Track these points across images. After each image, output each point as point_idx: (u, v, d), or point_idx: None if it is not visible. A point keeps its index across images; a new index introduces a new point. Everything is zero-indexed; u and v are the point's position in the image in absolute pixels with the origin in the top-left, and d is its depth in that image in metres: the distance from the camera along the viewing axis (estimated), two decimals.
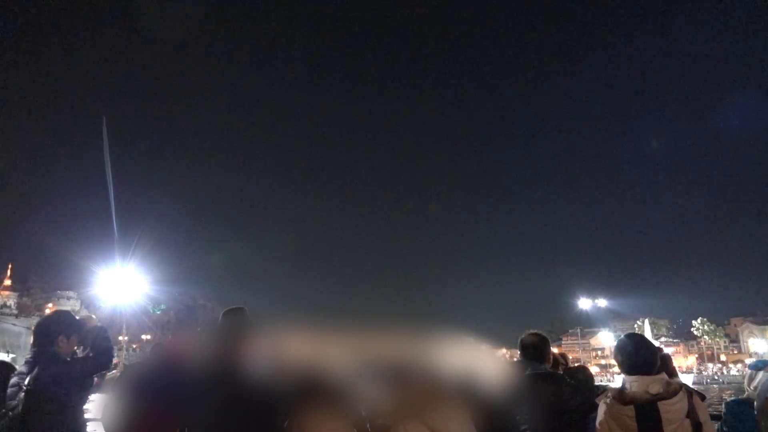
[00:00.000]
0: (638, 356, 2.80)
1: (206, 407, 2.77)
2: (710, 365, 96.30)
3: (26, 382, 3.05)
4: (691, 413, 2.64)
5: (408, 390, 2.82)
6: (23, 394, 3.02)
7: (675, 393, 2.66)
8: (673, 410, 2.62)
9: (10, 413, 3.02)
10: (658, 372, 3.51)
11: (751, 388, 3.91)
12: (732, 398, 4.08)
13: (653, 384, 2.70)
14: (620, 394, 2.75)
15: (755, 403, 3.69)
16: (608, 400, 2.79)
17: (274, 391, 2.81)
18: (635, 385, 2.74)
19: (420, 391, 2.80)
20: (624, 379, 2.82)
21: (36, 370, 3.10)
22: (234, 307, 3.22)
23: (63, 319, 3.48)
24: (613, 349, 3.07)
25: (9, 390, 3.14)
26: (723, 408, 3.96)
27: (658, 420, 2.60)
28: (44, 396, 3.04)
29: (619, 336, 3.11)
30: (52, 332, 3.31)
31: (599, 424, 2.82)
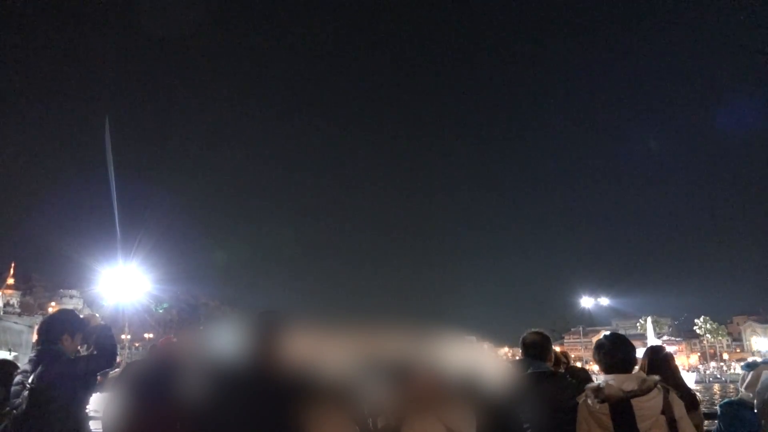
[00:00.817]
0: (614, 356, 2.87)
1: (231, 406, 2.77)
2: (712, 363, 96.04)
3: (30, 380, 3.06)
4: (667, 409, 2.68)
5: (414, 387, 2.83)
6: (27, 392, 3.02)
7: (649, 390, 2.70)
8: (646, 407, 2.67)
9: (14, 411, 3.03)
10: (661, 371, 3.53)
11: (743, 389, 3.88)
12: (725, 399, 4.06)
13: (628, 381, 2.76)
14: (596, 393, 2.81)
15: (755, 402, 3.67)
16: (586, 399, 2.85)
17: (291, 389, 2.81)
18: (611, 383, 2.79)
19: (426, 388, 2.81)
20: (603, 378, 2.88)
21: (40, 368, 3.10)
22: (269, 309, 3.20)
23: (67, 317, 3.48)
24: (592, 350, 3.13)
25: (13, 388, 3.14)
26: (718, 409, 3.94)
27: (632, 417, 2.65)
28: (48, 394, 3.04)
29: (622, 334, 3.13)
30: (56, 331, 3.32)
31: (578, 423, 2.89)
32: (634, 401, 2.68)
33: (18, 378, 3.18)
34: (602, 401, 2.75)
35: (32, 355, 3.26)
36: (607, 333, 3.13)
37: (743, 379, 3.97)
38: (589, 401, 2.83)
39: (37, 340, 3.32)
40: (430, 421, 2.70)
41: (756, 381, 3.79)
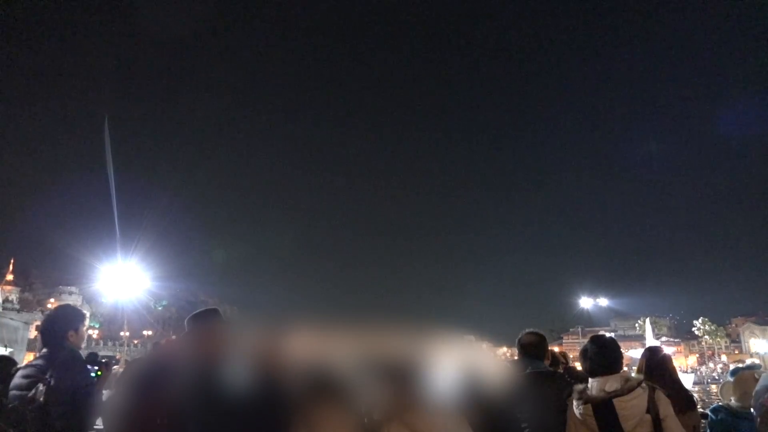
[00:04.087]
0: (597, 360, 2.90)
1: (193, 413, 2.79)
2: (710, 365, 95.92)
3: (48, 375, 3.08)
4: (652, 408, 2.69)
5: (398, 390, 2.75)
6: (43, 387, 3.03)
7: (631, 389, 2.72)
8: (629, 406, 2.68)
9: (29, 407, 3.03)
10: (658, 372, 3.52)
11: (733, 400, 3.84)
12: (713, 405, 4.04)
13: (611, 382, 2.78)
14: (580, 395, 2.85)
15: (754, 408, 3.64)
16: (572, 401, 2.90)
17: (267, 392, 2.81)
18: (595, 384, 2.83)
19: (407, 392, 2.73)
20: (590, 381, 2.91)
21: (58, 365, 3.13)
22: (205, 309, 3.24)
23: (67, 314, 3.52)
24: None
25: (24, 381, 3.14)
26: (709, 414, 3.92)
27: (615, 417, 2.67)
28: (67, 389, 3.06)
29: (621, 335, 3.14)
30: (61, 329, 3.35)
31: (567, 425, 2.93)
32: (616, 401, 2.70)
33: (29, 371, 3.18)
34: (585, 402, 2.79)
35: (44, 351, 3.28)
36: (593, 336, 3.15)
37: (727, 389, 3.93)
38: (574, 403, 2.87)
39: (44, 341, 3.34)
40: (398, 426, 2.59)
41: (739, 387, 3.76)
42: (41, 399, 3.01)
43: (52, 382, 3.05)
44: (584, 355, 2.98)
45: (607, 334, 3.46)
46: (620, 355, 2.94)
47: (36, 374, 3.13)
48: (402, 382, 2.79)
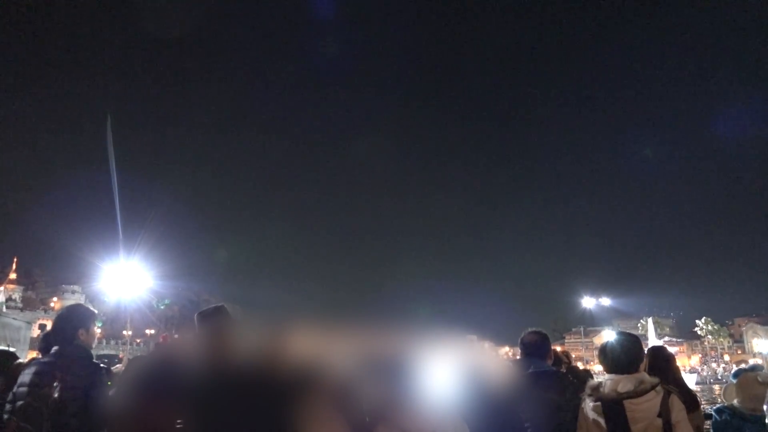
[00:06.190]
0: (614, 358, 2.85)
1: (202, 409, 2.78)
2: (713, 364, 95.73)
3: (62, 372, 3.08)
4: (664, 413, 2.62)
5: (383, 388, 2.68)
6: (58, 384, 3.03)
7: (644, 392, 2.66)
8: (639, 409, 2.63)
9: (41, 404, 3.03)
10: (662, 372, 3.50)
11: (735, 402, 3.81)
12: (717, 405, 4.01)
13: (624, 382, 2.72)
14: (592, 391, 2.81)
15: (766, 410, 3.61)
16: (584, 398, 2.86)
17: (269, 388, 2.81)
18: (608, 383, 2.77)
19: (393, 391, 2.61)
20: (605, 377, 2.88)
21: (72, 363, 3.15)
22: (212, 307, 3.23)
23: (79, 313, 3.50)
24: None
25: (37, 377, 3.14)
26: (713, 414, 3.91)
27: (624, 418, 2.62)
28: (80, 389, 3.07)
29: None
30: (71, 328, 3.34)
31: (579, 422, 2.90)
32: (627, 403, 2.64)
33: (41, 368, 3.18)
34: (596, 400, 2.76)
35: (55, 349, 3.27)
36: (619, 332, 3.06)
37: (730, 391, 3.90)
38: (586, 399, 2.83)
39: (55, 337, 3.34)
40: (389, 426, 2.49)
41: (741, 389, 3.74)
42: (56, 396, 3.00)
43: (68, 379, 3.04)
44: (602, 352, 2.92)
45: (611, 334, 3.44)
46: (639, 356, 2.87)
47: (50, 371, 3.12)
48: (387, 379, 2.65)
